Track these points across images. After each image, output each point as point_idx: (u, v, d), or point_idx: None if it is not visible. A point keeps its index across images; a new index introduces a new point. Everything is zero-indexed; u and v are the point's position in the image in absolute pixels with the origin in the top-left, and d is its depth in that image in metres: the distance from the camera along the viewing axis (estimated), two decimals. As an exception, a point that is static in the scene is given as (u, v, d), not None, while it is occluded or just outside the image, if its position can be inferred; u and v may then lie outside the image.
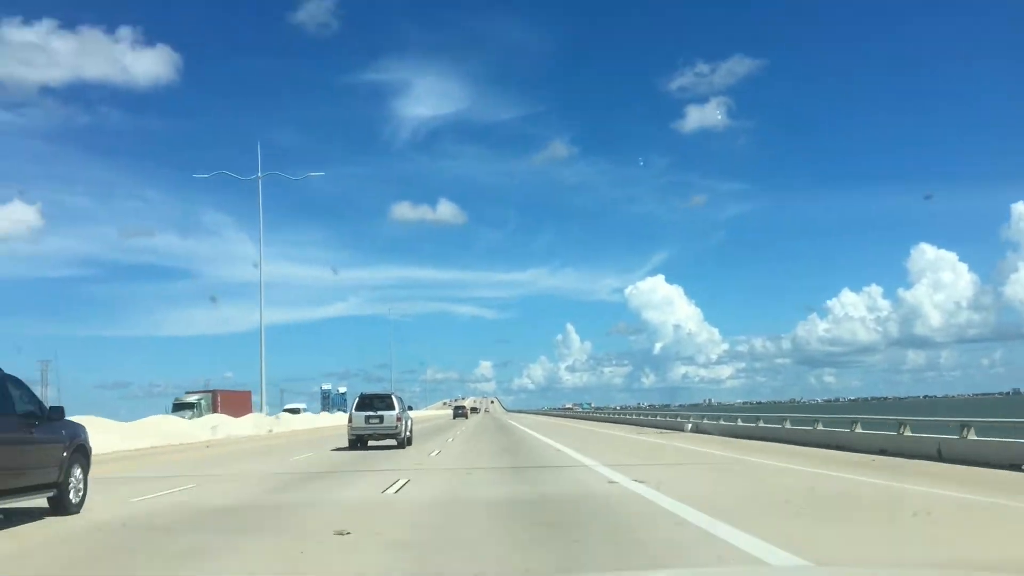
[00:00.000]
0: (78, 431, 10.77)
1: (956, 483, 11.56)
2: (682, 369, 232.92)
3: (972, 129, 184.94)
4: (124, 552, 7.90)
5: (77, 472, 10.40)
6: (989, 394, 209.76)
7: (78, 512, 10.23)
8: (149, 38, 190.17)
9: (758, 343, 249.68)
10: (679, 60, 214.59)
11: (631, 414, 55.74)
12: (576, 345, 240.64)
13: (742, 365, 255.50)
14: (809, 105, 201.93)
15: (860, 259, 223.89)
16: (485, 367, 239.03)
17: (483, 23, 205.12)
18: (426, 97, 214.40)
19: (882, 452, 16.98)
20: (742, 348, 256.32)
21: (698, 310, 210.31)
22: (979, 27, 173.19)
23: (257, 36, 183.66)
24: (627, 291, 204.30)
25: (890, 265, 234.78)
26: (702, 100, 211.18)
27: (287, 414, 63.07)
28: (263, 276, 53.19)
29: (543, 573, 6.28)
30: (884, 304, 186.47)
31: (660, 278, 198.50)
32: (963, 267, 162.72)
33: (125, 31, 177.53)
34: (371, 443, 24.56)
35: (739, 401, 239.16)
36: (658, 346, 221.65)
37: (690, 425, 32.31)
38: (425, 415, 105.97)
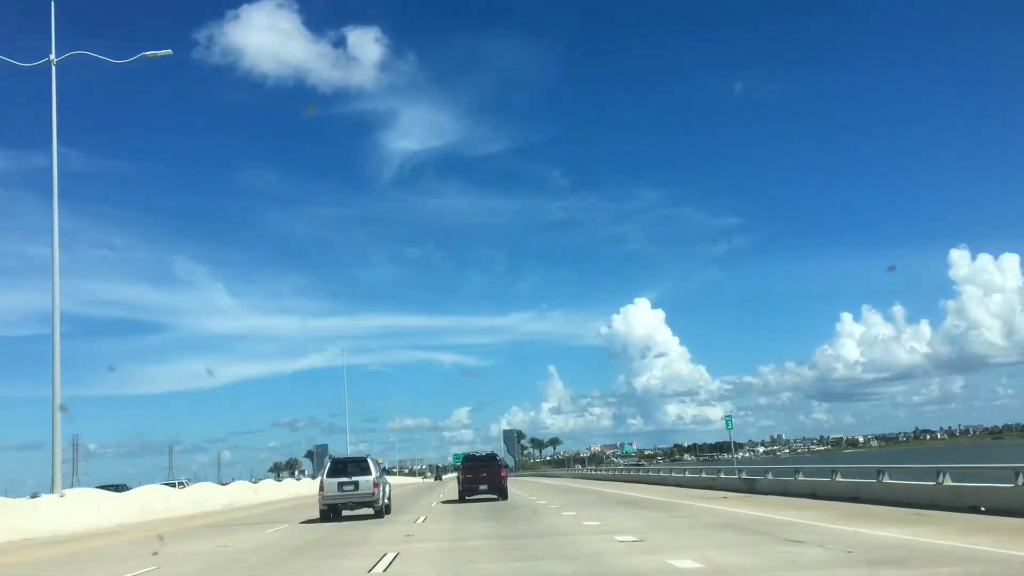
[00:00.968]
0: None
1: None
2: (674, 410, 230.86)
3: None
4: None
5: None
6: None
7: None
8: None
9: (752, 380, 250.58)
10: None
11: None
12: (560, 388, 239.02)
13: (730, 406, 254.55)
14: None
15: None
16: (461, 414, 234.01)
17: (478, 46, 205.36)
18: (413, 129, 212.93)
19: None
20: (732, 387, 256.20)
21: (688, 348, 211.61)
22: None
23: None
24: (614, 326, 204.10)
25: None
26: (696, 132, 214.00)
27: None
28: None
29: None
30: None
31: (652, 315, 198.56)
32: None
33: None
34: (345, 513, 23.09)
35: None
36: (646, 387, 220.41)
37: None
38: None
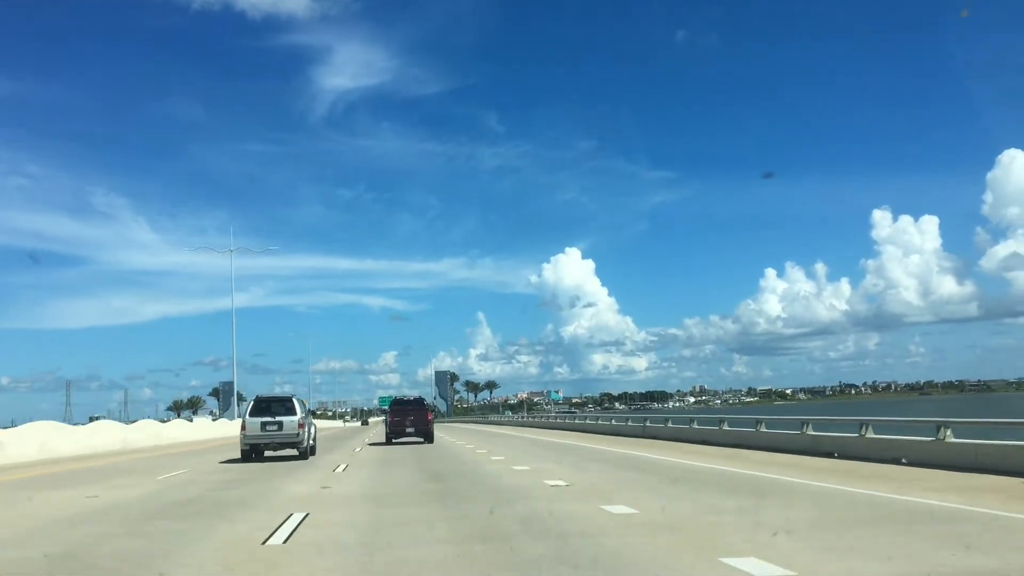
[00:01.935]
0: None
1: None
2: (600, 359, 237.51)
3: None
4: None
5: None
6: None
7: None
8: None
9: (677, 332, 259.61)
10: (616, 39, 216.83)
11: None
12: (488, 335, 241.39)
13: (654, 357, 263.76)
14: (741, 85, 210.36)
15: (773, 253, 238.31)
16: (389, 358, 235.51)
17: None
18: (346, 66, 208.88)
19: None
20: (657, 338, 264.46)
21: (616, 299, 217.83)
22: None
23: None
24: (544, 275, 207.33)
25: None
26: (633, 82, 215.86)
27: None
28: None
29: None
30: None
31: (582, 266, 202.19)
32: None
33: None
34: (268, 453, 23.18)
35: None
36: (574, 336, 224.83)
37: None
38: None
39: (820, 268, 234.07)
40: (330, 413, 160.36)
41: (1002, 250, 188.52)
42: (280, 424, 22.45)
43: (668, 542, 7.57)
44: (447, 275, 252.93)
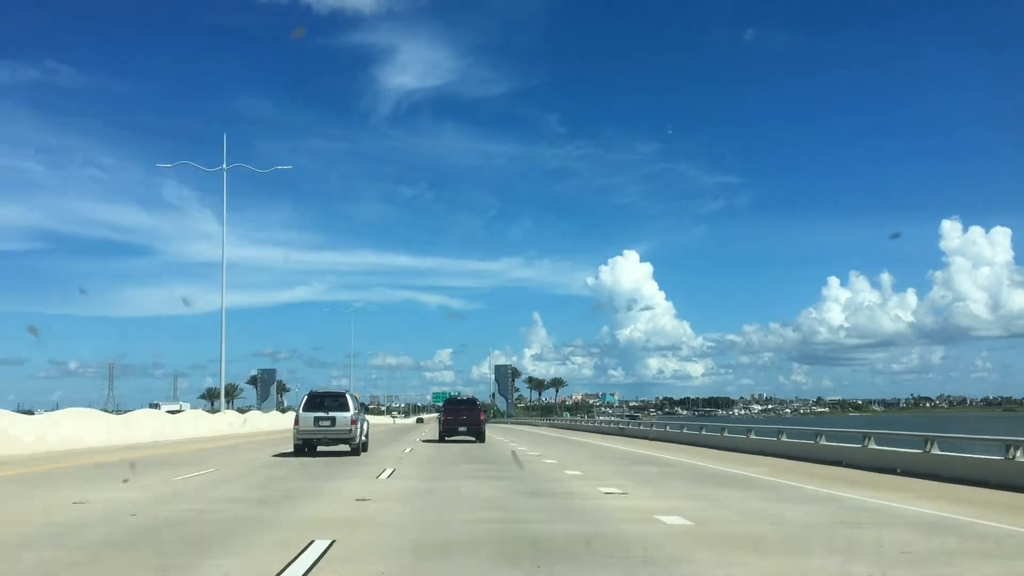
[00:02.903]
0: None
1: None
2: (655, 363, 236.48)
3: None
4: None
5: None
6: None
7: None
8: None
9: (735, 339, 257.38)
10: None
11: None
12: (543, 336, 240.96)
13: (711, 363, 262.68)
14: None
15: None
16: (444, 355, 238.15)
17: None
18: (411, 65, 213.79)
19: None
20: (715, 344, 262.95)
21: (673, 303, 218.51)
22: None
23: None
24: (601, 277, 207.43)
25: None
26: (697, 84, 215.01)
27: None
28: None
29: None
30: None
31: (640, 269, 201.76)
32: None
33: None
34: (320, 448, 23.77)
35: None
36: (629, 339, 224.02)
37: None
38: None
39: (886, 278, 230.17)
40: (383, 409, 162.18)
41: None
42: (333, 420, 22.93)
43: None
44: (504, 275, 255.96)
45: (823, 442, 21.83)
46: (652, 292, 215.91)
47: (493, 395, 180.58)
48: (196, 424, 42.11)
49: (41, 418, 29.78)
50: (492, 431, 48.03)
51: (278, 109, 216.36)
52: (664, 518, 9.82)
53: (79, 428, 28.80)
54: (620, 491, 13.37)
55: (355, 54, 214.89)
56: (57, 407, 36.57)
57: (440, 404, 38.92)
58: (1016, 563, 7.63)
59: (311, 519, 9.78)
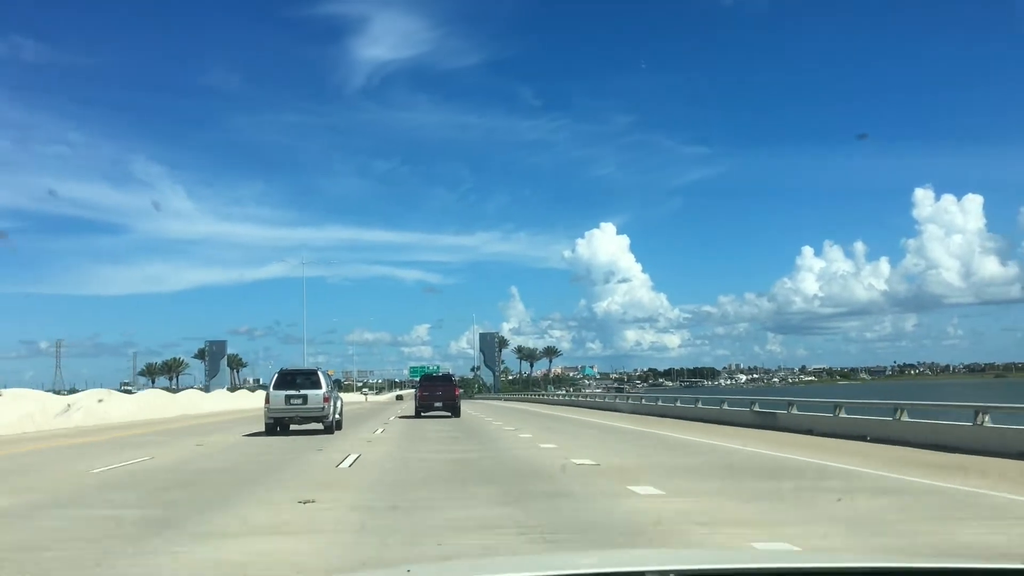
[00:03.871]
0: None
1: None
2: (632, 336, 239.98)
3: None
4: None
5: None
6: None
7: None
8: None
9: (711, 310, 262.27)
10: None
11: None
12: (520, 310, 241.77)
13: (687, 334, 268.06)
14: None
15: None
16: (421, 331, 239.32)
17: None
18: (384, 36, 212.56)
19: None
20: (692, 316, 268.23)
21: (650, 276, 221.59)
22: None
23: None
24: (578, 250, 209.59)
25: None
26: (673, 56, 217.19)
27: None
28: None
29: None
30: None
31: (616, 241, 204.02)
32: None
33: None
34: (293, 427, 24.10)
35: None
36: (607, 312, 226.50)
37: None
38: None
39: (859, 247, 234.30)
40: (358, 385, 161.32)
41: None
42: (305, 398, 23.28)
43: None
44: (481, 249, 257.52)
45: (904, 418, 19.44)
46: (629, 264, 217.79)
47: (478, 368, 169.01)
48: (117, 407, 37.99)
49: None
50: (477, 410, 46.09)
51: (249, 83, 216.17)
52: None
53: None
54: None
55: (327, 25, 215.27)
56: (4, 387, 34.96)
57: (418, 379, 40.39)
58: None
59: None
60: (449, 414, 34.73)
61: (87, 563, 6.79)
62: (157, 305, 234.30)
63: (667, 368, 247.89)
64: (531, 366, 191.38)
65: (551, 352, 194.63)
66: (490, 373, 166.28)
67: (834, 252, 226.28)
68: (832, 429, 19.61)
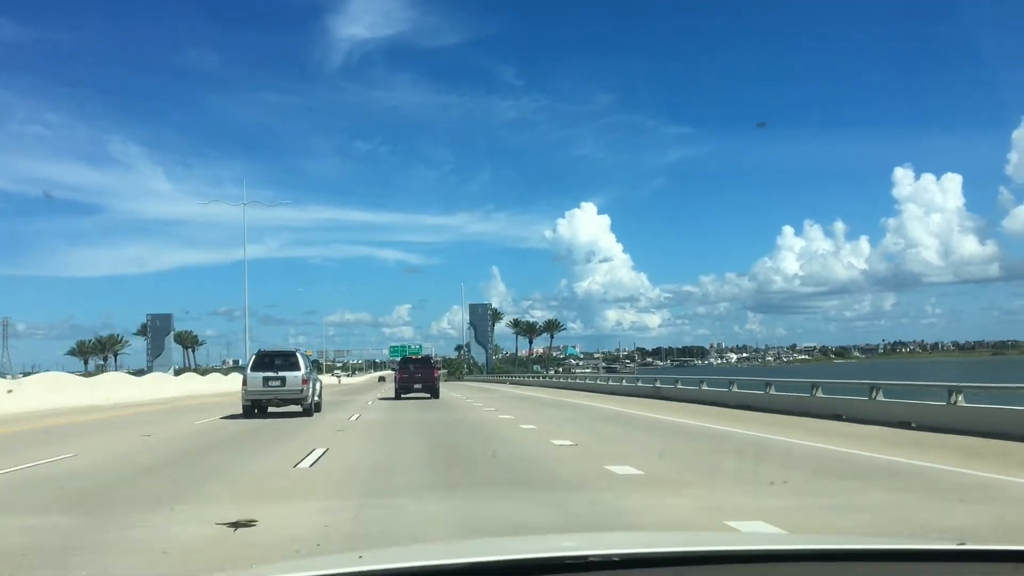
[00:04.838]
0: None
1: None
2: (613, 315, 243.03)
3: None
4: None
5: None
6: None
7: None
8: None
9: (692, 289, 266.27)
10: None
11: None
12: (502, 290, 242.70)
13: (668, 314, 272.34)
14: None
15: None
16: (402, 311, 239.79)
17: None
18: (363, 15, 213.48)
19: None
20: (672, 295, 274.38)
21: (631, 256, 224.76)
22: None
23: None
24: (559, 230, 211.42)
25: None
26: (653, 35, 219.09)
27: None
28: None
29: None
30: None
31: (597, 221, 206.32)
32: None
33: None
34: (272, 409, 24.20)
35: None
36: (588, 292, 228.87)
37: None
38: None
39: (839, 226, 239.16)
40: (339, 365, 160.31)
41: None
42: (283, 380, 23.46)
43: None
44: (462, 229, 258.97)
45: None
46: (610, 244, 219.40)
47: (466, 347, 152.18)
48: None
49: None
50: (478, 398, 38.40)
51: (226, 62, 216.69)
52: None
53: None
54: None
55: (305, 3, 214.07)
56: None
57: (398, 360, 41.64)
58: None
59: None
60: (428, 395, 35.88)
61: None
62: (136, 287, 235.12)
63: (655, 347, 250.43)
64: (530, 342, 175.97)
65: (553, 326, 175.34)
66: (482, 350, 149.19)
67: (814, 231, 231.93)
68: (866, 415, 17.97)
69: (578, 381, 57.15)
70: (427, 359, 42.21)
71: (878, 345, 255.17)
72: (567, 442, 15.00)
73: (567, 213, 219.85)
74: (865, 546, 2.42)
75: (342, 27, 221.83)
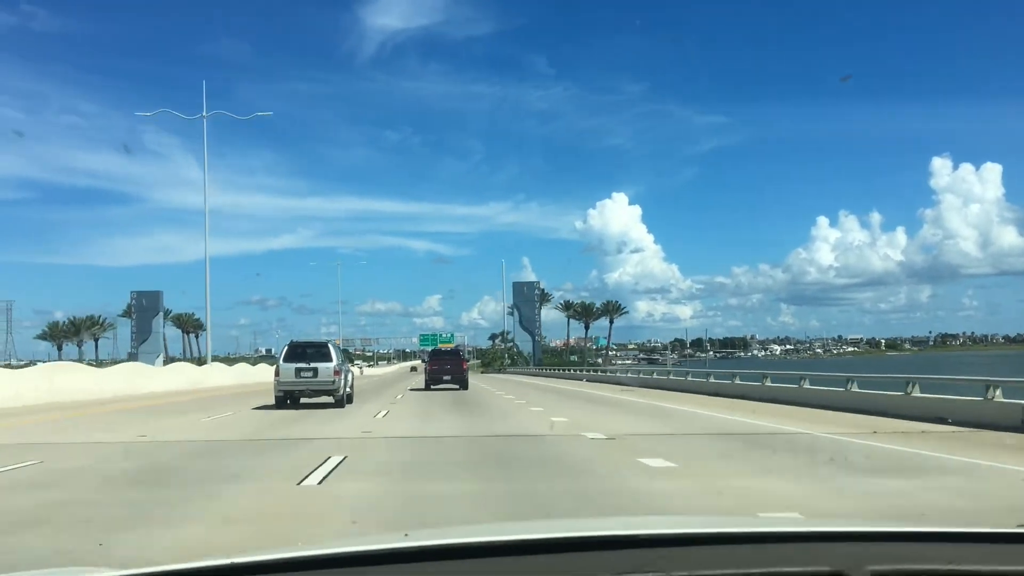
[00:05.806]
0: None
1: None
2: (644, 307, 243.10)
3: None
4: None
5: None
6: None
7: None
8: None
9: (724, 281, 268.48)
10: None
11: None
12: (533, 281, 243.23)
13: (699, 305, 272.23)
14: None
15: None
16: (433, 301, 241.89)
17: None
18: (394, 4, 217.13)
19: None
20: (704, 286, 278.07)
21: (662, 246, 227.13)
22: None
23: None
24: (590, 221, 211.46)
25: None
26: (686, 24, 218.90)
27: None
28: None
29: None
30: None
31: (629, 212, 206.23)
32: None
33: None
34: (304, 400, 24.67)
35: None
36: (618, 282, 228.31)
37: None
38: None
39: (875, 217, 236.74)
40: (368, 355, 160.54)
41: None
42: (315, 371, 23.83)
43: None
44: (492, 219, 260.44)
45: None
46: (641, 235, 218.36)
47: (505, 335, 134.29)
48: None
49: None
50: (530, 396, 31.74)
51: (258, 52, 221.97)
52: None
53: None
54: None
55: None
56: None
57: (428, 349, 44.59)
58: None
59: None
60: (457, 387, 38.02)
61: None
62: (169, 276, 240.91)
63: (694, 339, 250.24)
64: (586, 328, 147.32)
65: (612, 309, 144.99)
66: (527, 337, 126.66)
67: (850, 222, 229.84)
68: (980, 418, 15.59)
69: (629, 376, 47.68)
70: (456, 351, 46.27)
71: (927, 337, 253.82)
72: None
73: (598, 203, 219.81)
74: (917, 528, 2.26)
75: (373, 17, 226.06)
